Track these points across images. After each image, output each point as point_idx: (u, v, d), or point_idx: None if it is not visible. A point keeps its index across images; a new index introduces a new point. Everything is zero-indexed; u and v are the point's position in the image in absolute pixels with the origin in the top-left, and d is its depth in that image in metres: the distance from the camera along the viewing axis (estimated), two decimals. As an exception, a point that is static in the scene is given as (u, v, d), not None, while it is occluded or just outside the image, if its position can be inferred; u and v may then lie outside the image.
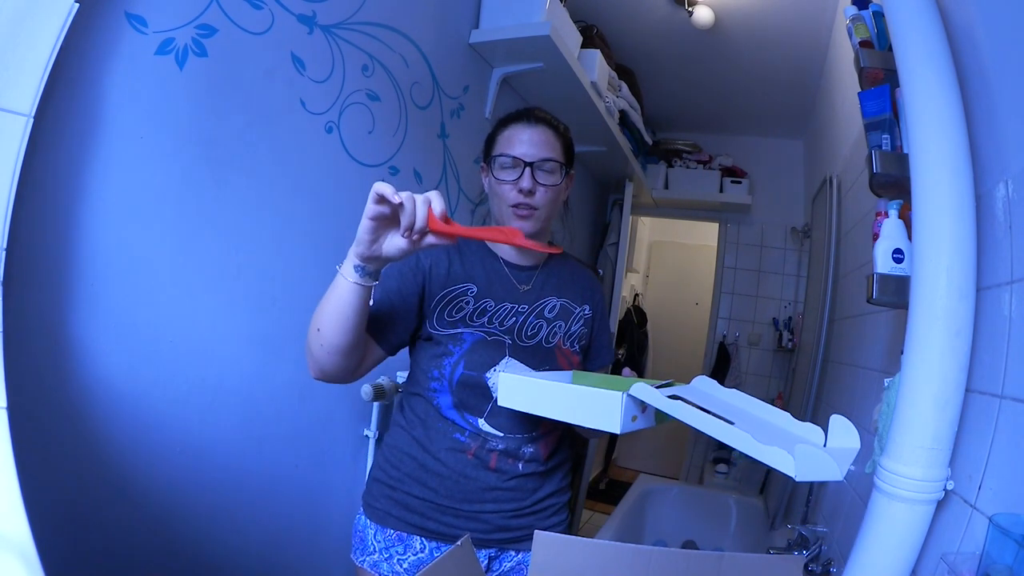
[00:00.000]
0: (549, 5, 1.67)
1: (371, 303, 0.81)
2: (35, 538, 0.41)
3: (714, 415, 0.62)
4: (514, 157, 0.92)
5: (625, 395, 0.68)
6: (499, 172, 0.94)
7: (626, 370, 0.91)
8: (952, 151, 0.74)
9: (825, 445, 0.64)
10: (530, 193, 0.92)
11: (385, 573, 0.91)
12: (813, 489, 1.69)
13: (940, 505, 0.73)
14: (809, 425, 0.66)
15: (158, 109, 0.90)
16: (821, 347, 1.92)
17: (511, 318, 0.94)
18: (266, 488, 1.17)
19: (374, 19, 1.33)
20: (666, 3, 2.25)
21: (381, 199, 0.67)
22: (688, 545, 2.36)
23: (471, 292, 0.93)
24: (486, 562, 0.95)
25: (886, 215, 0.91)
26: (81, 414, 0.83)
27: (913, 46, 0.80)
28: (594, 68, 2.07)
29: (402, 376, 1.43)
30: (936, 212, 0.73)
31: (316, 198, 1.22)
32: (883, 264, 0.89)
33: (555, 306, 0.99)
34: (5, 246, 0.64)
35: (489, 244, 0.99)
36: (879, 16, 1.02)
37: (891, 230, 0.89)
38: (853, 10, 1.08)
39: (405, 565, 0.90)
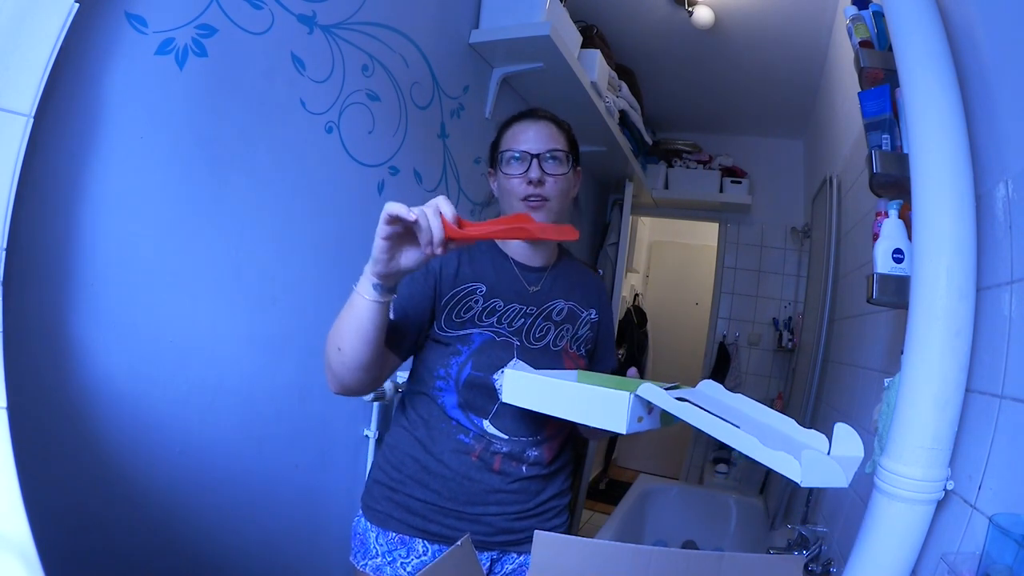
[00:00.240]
0: (549, 5, 1.67)
1: (391, 315, 0.82)
2: (35, 538, 0.41)
3: (721, 419, 0.63)
4: (521, 151, 0.93)
5: (633, 396, 0.68)
6: (507, 168, 0.94)
7: (631, 371, 0.91)
8: (952, 151, 0.74)
9: (829, 452, 0.64)
10: (539, 183, 0.92)
11: None
12: (813, 490, 1.69)
13: (940, 505, 0.73)
14: (813, 432, 0.66)
15: (158, 109, 0.90)
16: (821, 347, 1.92)
17: (520, 319, 0.94)
18: (266, 488, 1.17)
19: (374, 19, 1.33)
20: (666, 3, 2.25)
21: (394, 219, 0.67)
22: (688, 545, 2.36)
23: (480, 291, 0.93)
24: (488, 565, 0.94)
25: (886, 215, 0.91)
26: (81, 414, 0.83)
27: (913, 46, 0.80)
28: (594, 68, 2.07)
29: (402, 376, 1.43)
30: (936, 212, 0.73)
31: (316, 198, 1.22)
32: (883, 264, 0.89)
33: (563, 309, 0.99)
34: (5, 246, 0.64)
35: (499, 244, 0.99)
36: (879, 16, 1.02)
37: (891, 230, 0.89)
38: (853, 10, 1.08)
39: (408, 568, 0.89)
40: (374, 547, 0.92)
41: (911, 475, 0.71)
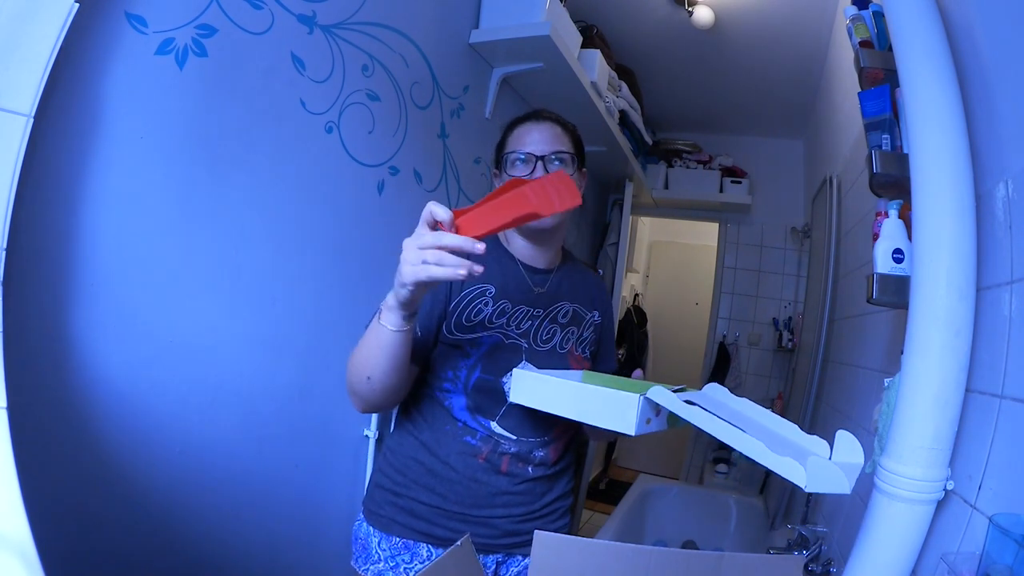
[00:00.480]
0: (549, 5, 1.67)
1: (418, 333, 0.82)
2: (35, 538, 0.41)
3: (728, 423, 0.63)
4: (526, 153, 0.93)
5: (642, 397, 0.69)
6: (512, 170, 0.94)
7: (637, 372, 0.91)
8: (952, 151, 0.73)
9: (831, 458, 0.64)
10: None
11: None
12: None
13: (940, 505, 0.73)
14: (815, 438, 0.67)
15: (158, 109, 0.90)
16: (821, 347, 1.92)
17: (527, 321, 0.94)
18: (266, 488, 1.17)
19: (374, 19, 1.33)
20: (666, 3, 2.25)
21: (426, 283, 0.66)
22: (688, 545, 2.36)
23: (489, 293, 0.92)
24: (493, 567, 0.94)
25: (886, 215, 0.91)
26: (81, 414, 0.83)
27: (913, 46, 0.80)
28: (594, 68, 2.07)
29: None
30: (936, 212, 0.73)
31: (316, 198, 1.22)
32: (883, 264, 0.89)
33: (568, 311, 0.99)
34: (5, 246, 0.64)
35: (504, 242, 0.98)
36: (879, 16, 1.01)
37: (891, 230, 0.89)
38: (853, 10, 1.08)
39: (412, 573, 0.89)
40: (376, 552, 0.91)
41: (911, 475, 0.71)
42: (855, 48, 1.05)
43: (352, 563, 0.94)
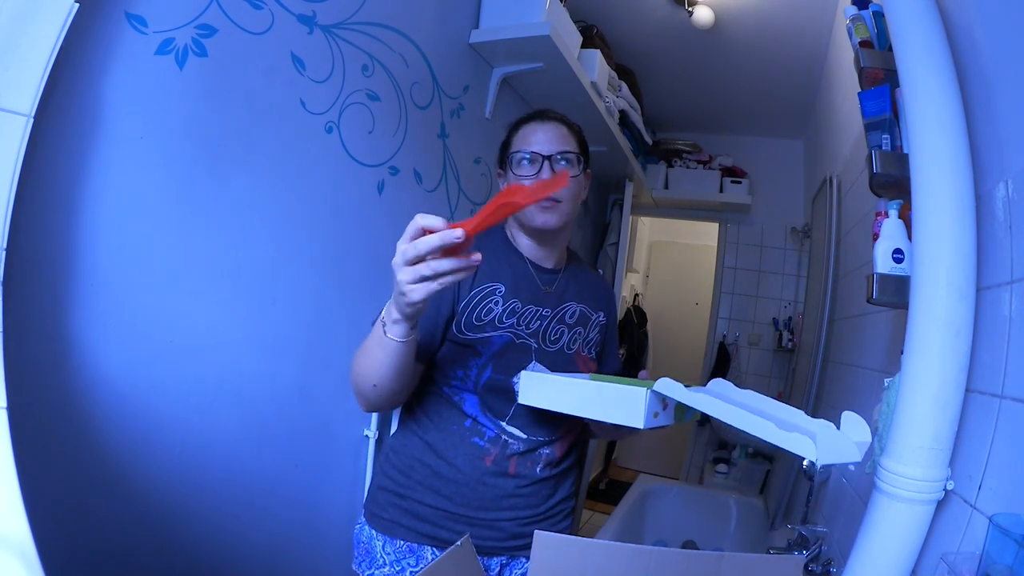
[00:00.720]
0: (549, 5, 1.67)
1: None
2: (35, 538, 0.41)
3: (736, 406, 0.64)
4: (532, 152, 0.92)
5: (649, 391, 0.69)
6: (517, 169, 0.93)
7: (643, 373, 0.91)
8: (952, 151, 0.73)
9: None
10: None
11: None
12: (813, 489, 1.69)
13: (940, 505, 0.73)
14: (822, 421, 0.67)
15: (158, 109, 0.90)
16: (821, 347, 1.92)
17: (536, 321, 0.94)
18: (266, 488, 1.17)
19: (374, 19, 1.33)
20: (666, 3, 2.25)
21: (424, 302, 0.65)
22: (688, 545, 2.36)
23: (499, 292, 0.92)
24: (497, 570, 0.93)
25: (886, 215, 0.91)
26: (81, 414, 0.83)
27: (913, 46, 0.80)
28: (594, 68, 2.07)
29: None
30: (936, 212, 0.73)
31: (316, 198, 1.22)
32: (883, 264, 0.89)
33: (575, 312, 0.99)
34: (5, 246, 0.64)
35: (513, 241, 0.98)
36: (879, 16, 1.01)
37: (891, 230, 0.89)
38: (853, 10, 1.08)
39: None
40: (381, 556, 0.90)
41: (911, 475, 0.71)
42: (855, 48, 1.05)
43: (354, 566, 0.93)
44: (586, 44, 2.08)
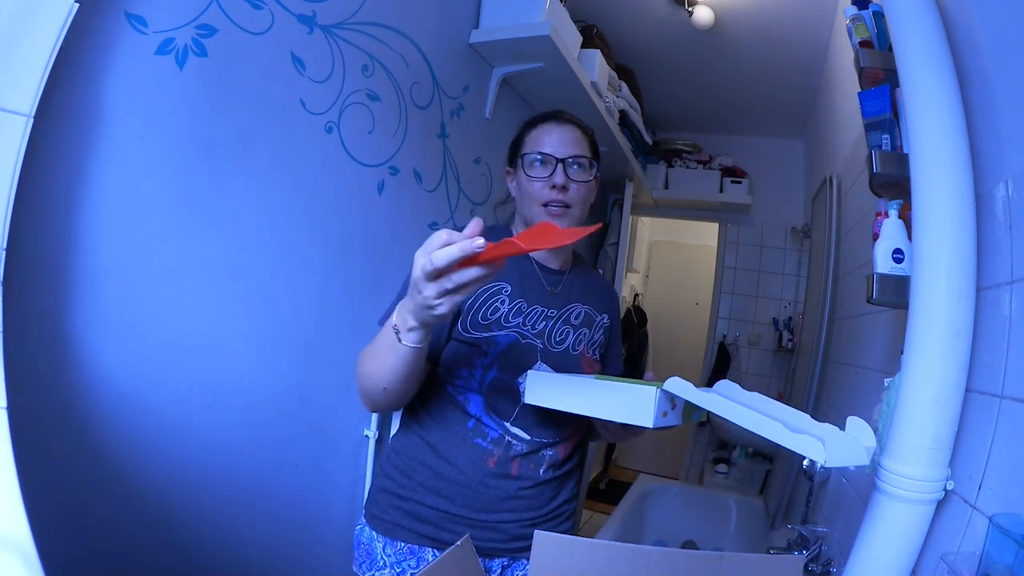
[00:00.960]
0: (549, 5, 1.67)
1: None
2: (35, 538, 0.41)
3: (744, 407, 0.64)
4: (545, 154, 0.92)
5: (659, 390, 0.69)
6: (529, 170, 0.93)
7: (648, 374, 0.91)
8: (952, 151, 0.73)
9: None
10: (563, 189, 0.91)
11: None
12: (813, 489, 1.69)
13: (940, 505, 0.73)
14: (827, 425, 0.67)
15: (158, 109, 0.90)
16: (821, 347, 1.92)
17: (542, 322, 0.94)
18: (266, 488, 1.17)
19: (374, 19, 1.33)
20: (666, 3, 2.25)
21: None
22: (688, 545, 2.36)
23: (506, 292, 0.92)
24: (499, 571, 0.93)
25: (886, 215, 0.91)
26: (81, 414, 0.83)
27: (913, 46, 0.80)
28: (594, 68, 2.07)
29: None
30: (936, 212, 0.73)
31: (316, 198, 1.22)
32: (883, 264, 0.89)
33: (580, 313, 0.99)
34: (5, 246, 0.64)
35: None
36: (879, 16, 1.01)
37: (891, 230, 0.89)
38: (853, 10, 1.08)
39: None
40: (382, 558, 0.90)
41: (911, 475, 0.71)
42: (855, 48, 1.05)
43: (355, 568, 0.93)
44: (586, 44, 2.08)
